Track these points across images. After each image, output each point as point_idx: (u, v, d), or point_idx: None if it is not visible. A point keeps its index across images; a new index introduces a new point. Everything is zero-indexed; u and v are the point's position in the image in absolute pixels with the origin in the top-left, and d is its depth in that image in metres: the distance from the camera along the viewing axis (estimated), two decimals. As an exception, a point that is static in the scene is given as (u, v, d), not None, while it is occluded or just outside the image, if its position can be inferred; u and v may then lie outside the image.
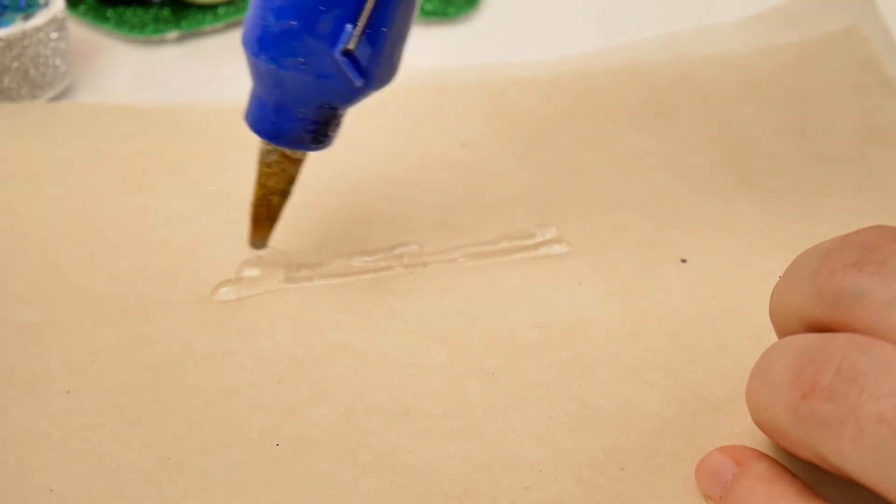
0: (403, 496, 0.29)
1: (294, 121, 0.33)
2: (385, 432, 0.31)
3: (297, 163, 0.35)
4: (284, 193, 0.36)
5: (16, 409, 0.32)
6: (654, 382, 0.32)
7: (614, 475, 0.30)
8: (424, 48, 0.48)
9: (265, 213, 0.36)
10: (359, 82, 0.32)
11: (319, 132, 0.34)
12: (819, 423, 0.25)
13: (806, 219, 0.39)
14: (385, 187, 0.40)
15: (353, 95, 0.33)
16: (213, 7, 0.49)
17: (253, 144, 0.42)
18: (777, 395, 0.26)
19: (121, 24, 0.48)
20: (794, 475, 0.28)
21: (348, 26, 0.31)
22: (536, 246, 0.37)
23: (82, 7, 0.49)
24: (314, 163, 0.41)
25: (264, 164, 0.35)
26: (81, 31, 0.48)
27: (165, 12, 0.49)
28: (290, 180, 0.35)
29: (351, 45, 0.31)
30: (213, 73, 0.47)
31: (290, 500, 0.29)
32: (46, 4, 0.44)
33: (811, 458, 0.26)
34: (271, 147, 0.35)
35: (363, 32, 0.31)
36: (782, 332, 0.29)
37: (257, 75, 0.33)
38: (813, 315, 0.27)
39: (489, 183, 0.40)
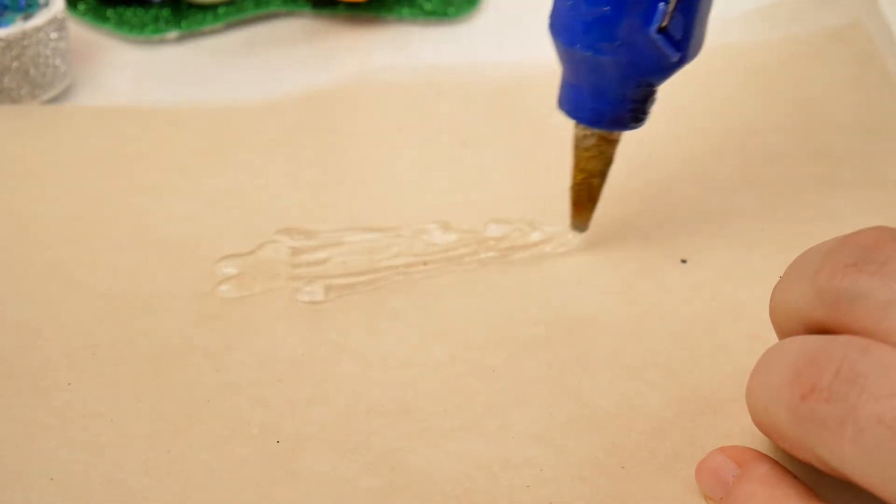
0: (403, 496, 0.29)
1: (613, 103, 0.34)
2: (385, 432, 0.31)
3: (615, 143, 0.36)
4: (603, 174, 0.36)
5: (16, 401, 0.32)
6: (654, 382, 0.33)
7: (615, 474, 0.30)
8: (424, 48, 0.48)
9: (586, 196, 0.37)
10: (675, 57, 0.33)
11: (638, 110, 0.34)
12: (818, 424, 0.25)
13: (806, 216, 0.39)
14: (385, 186, 0.40)
15: (669, 70, 0.34)
16: (213, 7, 0.49)
17: (254, 143, 0.42)
18: (777, 396, 0.26)
19: (121, 24, 0.48)
20: (795, 478, 0.28)
21: (661, 4, 0.32)
22: (537, 244, 0.37)
23: (82, 7, 0.49)
24: (314, 162, 0.41)
25: (582, 149, 0.36)
26: (81, 31, 0.48)
27: (165, 12, 0.49)
28: (609, 161, 0.36)
29: (665, 23, 0.32)
30: (213, 73, 0.47)
31: (291, 498, 0.29)
32: (46, 4, 0.44)
33: (810, 459, 0.26)
34: (588, 132, 0.35)
35: (675, 7, 0.32)
36: (782, 332, 0.29)
37: (571, 63, 0.34)
38: (813, 315, 0.27)
39: (489, 182, 0.40)
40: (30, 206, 0.39)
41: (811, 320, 0.27)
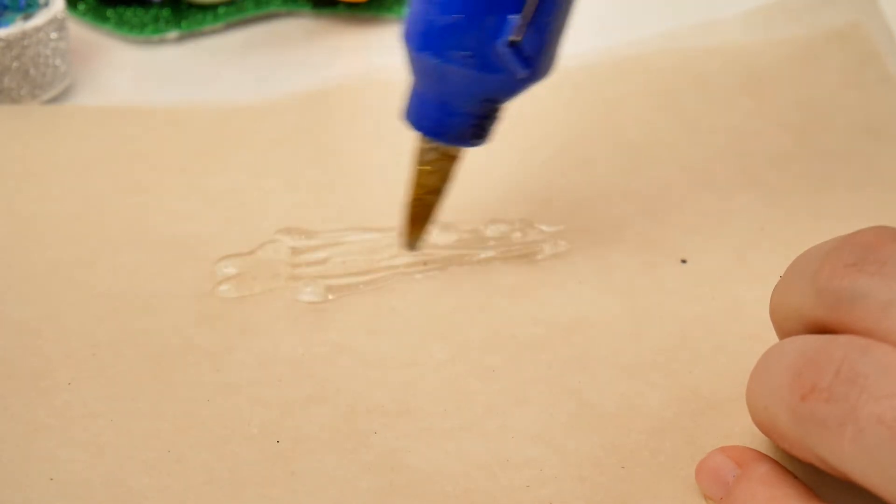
0: (403, 496, 0.29)
1: (457, 116, 0.33)
2: (385, 432, 0.31)
3: (455, 160, 0.35)
4: (441, 192, 0.36)
5: (16, 401, 0.32)
6: (654, 382, 0.33)
7: (615, 474, 0.30)
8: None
9: (421, 213, 0.36)
10: (523, 74, 0.32)
11: (480, 127, 0.34)
12: (818, 424, 0.25)
13: (806, 216, 0.39)
14: (385, 186, 0.40)
15: (516, 88, 0.33)
16: (213, 7, 0.49)
17: (254, 143, 0.42)
18: (777, 396, 0.26)
19: (121, 24, 0.48)
20: (795, 477, 0.28)
21: (513, 17, 0.31)
22: (537, 243, 0.37)
23: (82, 7, 0.49)
24: (314, 162, 0.41)
25: (423, 163, 0.35)
26: (81, 31, 0.48)
27: (165, 12, 0.49)
28: (447, 178, 0.35)
29: (516, 37, 0.31)
30: (213, 73, 0.47)
31: (291, 498, 0.29)
32: (46, 4, 0.44)
33: (811, 459, 0.26)
34: (431, 145, 0.35)
35: (527, 23, 0.32)
36: (782, 332, 0.29)
37: (420, 71, 0.33)
38: (813, 315, 0.27)
39: (489, 181, 0.40)
40: (30, 206, 0.39)
41: (811, 320, 0.27)
